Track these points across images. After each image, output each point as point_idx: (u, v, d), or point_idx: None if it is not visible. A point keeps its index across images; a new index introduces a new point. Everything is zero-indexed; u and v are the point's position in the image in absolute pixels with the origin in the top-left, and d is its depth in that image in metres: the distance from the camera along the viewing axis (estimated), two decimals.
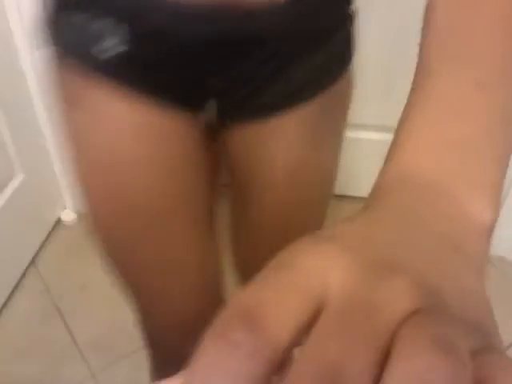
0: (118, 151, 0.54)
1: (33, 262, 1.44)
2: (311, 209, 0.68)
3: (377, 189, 0.25)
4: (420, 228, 0.21)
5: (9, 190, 1.31)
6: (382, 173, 0.26)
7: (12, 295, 1.35)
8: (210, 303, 0.68)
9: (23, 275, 1.40)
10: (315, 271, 0.17)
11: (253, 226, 0.68)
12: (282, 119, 0.56)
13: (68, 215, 1.56)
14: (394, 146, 0.27)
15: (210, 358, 0.15)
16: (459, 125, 0.25)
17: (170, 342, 0.72)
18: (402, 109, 0.29)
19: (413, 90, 0.28)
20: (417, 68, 0.29)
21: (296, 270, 0.17)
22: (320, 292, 0.17)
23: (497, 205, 0.25)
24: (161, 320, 0.70)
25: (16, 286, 1.37)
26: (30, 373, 1.19)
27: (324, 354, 0.15)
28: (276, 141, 0.58)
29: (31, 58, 1.26)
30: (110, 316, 1.30)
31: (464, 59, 0.27)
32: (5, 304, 1.32)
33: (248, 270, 0.74)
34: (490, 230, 0.24)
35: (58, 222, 1.56)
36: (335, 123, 0.64)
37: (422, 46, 0.29)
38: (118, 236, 0.60)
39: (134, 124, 0.53)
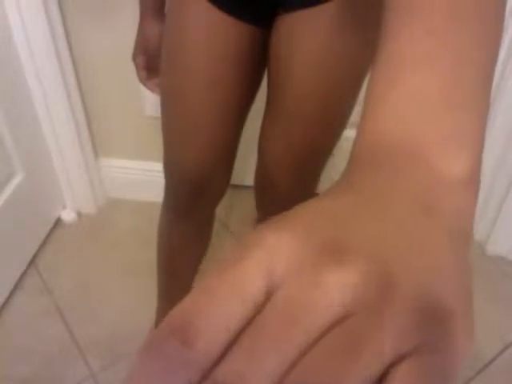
0: (189, 33, 0.73)
1: (33, 261, 1.44)
2: (337, 100, 0.75)
3: (348, 164, 0.25)
4: (387, 200, 0.21)
5: (8, 190, 1.31)
6: (354, 145, 0.26)
7: (12, 295, 1.35)
8: (221, 167, 0.85)
9: (23, 275, 1.40)
10: (256, 269, 0.17)
11: (285, 113, 0.77)
12: (314, 11, 0.67)
13: (68, 215, 1.56)
14: (363, 115, 0.26)
15: (144, 370, 0.16)
16: (416, 79, 0.25)
17: (184, 195, 0.88)
18: None
19: (375, 53, 0.28)
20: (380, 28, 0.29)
21: (236, 270, 0.17)
22: (260, 291, 0.17)
23: (471, 152, 0.23)
24: (179, 166, 0.84)
25: (16, 286, 1.37)
26: (30, 372, 1.19)
27: (228, 365, 0.15)
28: (307, 29, 0.68)
29: (31, 57, 1.26)
30: (110, 316, 1.30)
31: (413, 9, 0.26)
32: (5, 304, 1.32)
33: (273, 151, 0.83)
34: (466, 181, 0.23)
35: (58, 221, 1.56)
36: (366, 21, 0.68)
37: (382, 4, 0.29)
38: (170, 82, 0.79)
39: (203, 19, 0.71)
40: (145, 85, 0.91)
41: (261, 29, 0.73)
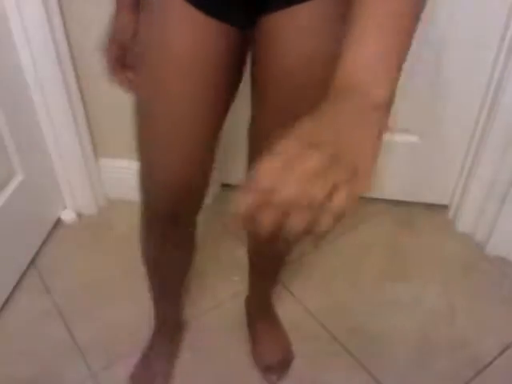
0: (170, 34, 0.71)
1: (33, 262, 1.44)
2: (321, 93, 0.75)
3: (327, 96, 0.44)
4: (342, 115, 0.41)
5: (8, 190, 1.32)
6: (331, 83, 0.44)
7: (12, 295, 1.35)
8: (200, 175, 0.85)
9: (23, 275, 1.40)
10: (295, 149, 0.38)
11: (269, 110, 0.78)
12: (297, 9, 0.67)
13: (68, 215, 1.56)
14: (339, 61, 0.45)
15: (242, 200, 0.37)
16: (371, 42, 0.44)
17: (164, 202, 0.88)
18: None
19: (349, 19, 0.45)
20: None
21: (278, 157, 0.38)
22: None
23: (389, 87, 0.43)
24: (160, 174, 0.84)
25: (16, 286, 1.37)
26: (30, 373, 1.19)
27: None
28: (292, 27, 0.69)
29: (31, 58, 1.26)
30: (110, 316, 1.30)
31: None
32: (5, 304, 1.32)
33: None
34: (385, 103, 0.43)
35: (58, 221, 1.56)
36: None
37: None
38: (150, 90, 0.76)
39: (185, 22, 0.69)
40: (113, 77, 0.87)
41: (243, 30, 0.71)
